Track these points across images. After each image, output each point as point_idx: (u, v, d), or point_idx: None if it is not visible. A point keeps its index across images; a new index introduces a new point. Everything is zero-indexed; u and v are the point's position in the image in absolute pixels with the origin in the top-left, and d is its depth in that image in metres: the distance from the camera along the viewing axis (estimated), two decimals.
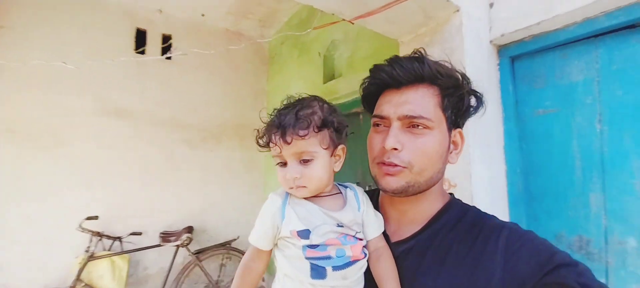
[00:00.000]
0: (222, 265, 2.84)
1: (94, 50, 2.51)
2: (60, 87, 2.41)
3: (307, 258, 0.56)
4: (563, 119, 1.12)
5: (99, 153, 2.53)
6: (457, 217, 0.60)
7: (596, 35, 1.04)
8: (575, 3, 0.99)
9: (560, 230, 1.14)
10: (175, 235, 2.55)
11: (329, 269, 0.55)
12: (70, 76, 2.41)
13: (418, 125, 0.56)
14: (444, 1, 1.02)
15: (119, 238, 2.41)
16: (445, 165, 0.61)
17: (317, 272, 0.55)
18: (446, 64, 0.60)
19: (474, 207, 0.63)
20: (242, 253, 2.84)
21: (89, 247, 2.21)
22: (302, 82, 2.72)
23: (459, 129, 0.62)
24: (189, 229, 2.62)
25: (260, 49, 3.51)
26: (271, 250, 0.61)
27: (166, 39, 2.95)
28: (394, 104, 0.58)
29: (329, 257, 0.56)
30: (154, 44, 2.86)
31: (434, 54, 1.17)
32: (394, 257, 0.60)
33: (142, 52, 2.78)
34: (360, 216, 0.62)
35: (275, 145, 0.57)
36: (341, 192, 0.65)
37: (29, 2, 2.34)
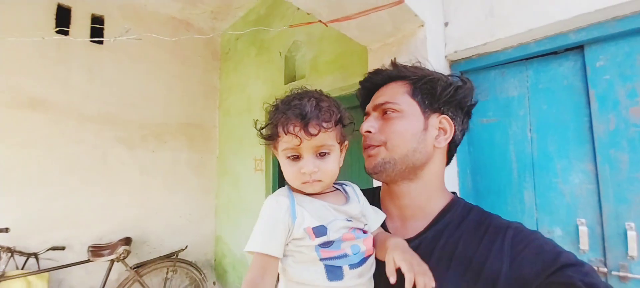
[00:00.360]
0: (166, 278, 2.57)
1: (3, 27, 2.02)
2: None
3: (322, 260, 0.53)
4: (502, 128, 1.30)
5: (8, 152, 2.05)
6: (462, 215, 0.61)
7: (527, 58, 1.24)
8: (513, 30, 1.17)
9: None
10: (109, 248, 2.22)
11: (345, 268, 0.53)
12: None
13: (388, 111, 0.65)
14: (413, 15, 1.10)
15: (35, 255, 1.99)
16: (431, 148, 0.65)
17: (334, 273, 0.52)
18: (419, 66, 0.71)
19: (477, 206, 0.65)
20: (191, 263, 2.61)
21: None
22: (260, 82, 2.63)
23: (444, 115, 0.66)
24: (127, 240, 2.31)
25: (212, 43, 3.28)
26: (278, 261, 0.55)
27: (97, 20, 2.54)
28: (372, 100, 0.70)
29: (345, 255, 0.54)
30: (80, 24, 2.44)
31: (401, 61, 1.25)
32: None
33: (66, 34, 2.34)
34: (363, 208, 0.63)
35: (295, 136, 0.53)
36: (340, 189, 0.65)
37: None
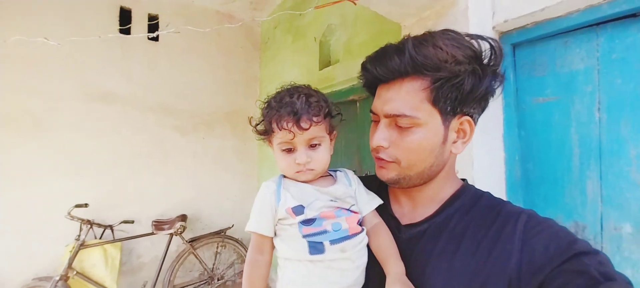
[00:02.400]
0: (217, 252, 2.84)
1: (75, 29, 2.37)
2: (42, 70, 2.28)
3: (304, 236, 0.57)
4: (563, 107, 1.13)
5: (85, 140, 2.43)
6: (472, 201, 0.59)
7: (598, 24, 1.04)
8: None
9: (556, 216, 1.16)
10: (169, 223, 2.52)
11: (326, 243, 0.57)
12: (51, 58, 2.28)
13: (402, 124, 0.55)
14: None
15: (110, 227, 2.35)
16: (448, 155, 0.59)
17: (315, 248, 0.56)
18: (447, 44, 0.51)
19: (488, 192, 0.62)
20: (237, 240, 2.84)
21: (79, 235, 2.16)
22: (296, 69, 2.66)
23: (466, 117, 0.57)
24: (183, 217, 2.59)
25: (252, 33, 3.40)
26: (272, 240, 0.62)
27: (152, 19, 2.81)
28: (382, 100, 0.57)
29: (325, 232, 0.57)
30: (139, 23, 2.72)
31: None
32: (407, 240, 0.60)
33: (127, 33, 2.64)
34: (353, 191, 0.64)
35: (289, 131, 0.58)
36: (331, 175, 0.68)
37: None
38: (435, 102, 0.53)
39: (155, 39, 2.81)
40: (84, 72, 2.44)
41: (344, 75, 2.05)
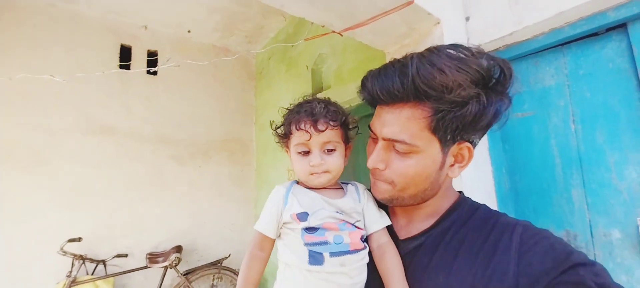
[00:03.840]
0: (213, 285, 2.75)
1: (77, 66, 2.46)
2: (43, 105, 2.34)
3: (306, 244, 0.58)
4: (540, 121, 1.20)
5: (83, 173, 2.44)
6: (468, 213, 0.59)
7: (563, 43, 1.14)
8: (543, 15, 1.09)
9: (548, 226, 1.19)
10: (163, 255, 2.46)
11: (326, 255, 0.57)
12: (53, 94, 2.35)
13: (399, 149, 0.54)
14: (426, 14, 1.09)
15: (103, 262, 2.29)
16: (443, 179, 0.58)
17: (315, 258, 0.57)
18: (452, 68, 0.48)
19: (484, 204, 0.62)
20: (234, 271, 2.77)
21: (71, 271, 2.10)
22: (291, 96, 2.75)
23: (466, 143, 0.55)
24: (178, 249, 2.54)
25: (248, 65, 3.55)
26: (274, 241, 0.64)
27: (152, 55, 2.94)
28: (381, 122, 0.56)
29: (326, 243, 0.58)
30: (139, 60, 2.84)
31: None
32: (404, 254, 0.60)
33: (128, 69, 2.75)
34: (361, 207, 0.65)
35: (306, 132, 0.61)
36: (342, 187, 0.69)
37: (12, 17, 2.30)
38: (435, 130, 0.51)
39: (154, 73, 2.92)
40: (84, 106, 2.51)
41: (336, 99, 2.13)
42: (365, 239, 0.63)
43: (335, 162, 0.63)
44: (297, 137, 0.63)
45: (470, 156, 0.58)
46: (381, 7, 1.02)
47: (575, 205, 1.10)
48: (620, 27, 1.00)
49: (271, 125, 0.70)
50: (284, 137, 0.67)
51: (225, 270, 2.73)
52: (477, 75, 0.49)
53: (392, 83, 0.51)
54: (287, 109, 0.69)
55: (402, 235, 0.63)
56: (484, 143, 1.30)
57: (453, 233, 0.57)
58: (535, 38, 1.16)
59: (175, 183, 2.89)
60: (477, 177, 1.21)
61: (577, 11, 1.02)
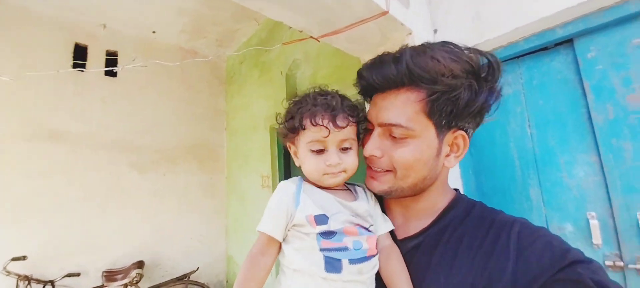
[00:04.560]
0: None
1: (25, 65, 2.20)
2: None
3: (321, 250, 0.52)
4: (501, 126, 1.30)
5: (29, 183, 2.17)
6: (465, 211, 0.59)
7: (519, 56, 1.25)
8: (500, 30, 1.20)
9: None
10: (123, 272, 2.26)
11: (345, 262, 0.52)
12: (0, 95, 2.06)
13: (396, 134, 0.55)
14: (399, 24, 1.14)
15: (52, 282, 2.05)
16: (440, 169, 0.58)
17: (332, 265, 0.51)
18: (445, 57, 0.51)
19: (480, 202, 0.62)
20: (203, 285, 2.62)
21: None
22: (264, 101, 2.71)
23: (461, 132, 0.57)
24: (139, 264, 2.35)
25: (217, 68, 3.44)
26: (280, 244, 0.57)
27: (111, 55, 2.72)
28: (377, 109, 0.57)
29: (345, 249, 0.52)
30: (96, 60, 2.62)
31: None
32: (402, 254, 0.58)
33: (83, 68, 2.52)
34: (372, 210, 0.61)
35: (324, 128, 0.54)
36: (350, 189, 0.64)
37: None
38: (430, 114, 0.53)
39: (114, 74, 2.70)
40: (30, 109, 2.24)
41: None
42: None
43: (352, 161, 0.58)
44: (312, 133, 0.56)
45: (466, 145, 0.59)
46: (358, 16, 1.05)
47: (533, 202, 1.21)
48: (567, 42, 1.12)
49: (276, 118, 0.62)
50: (293, 132, 0.58)
51: (193, 284, 2.58)
52: (468, 66, 0.52)
53: (388, 68, 0.53)
54: (294, 99, 0.61)
55: (400, 234, 0.62)
56: None
57: (451, 232, 0.57)
58: (495, 50, 1.27)
59: (135, 193, 2.68)
60: (448, 178, 1.28)
61: (530, 27, 1.14)
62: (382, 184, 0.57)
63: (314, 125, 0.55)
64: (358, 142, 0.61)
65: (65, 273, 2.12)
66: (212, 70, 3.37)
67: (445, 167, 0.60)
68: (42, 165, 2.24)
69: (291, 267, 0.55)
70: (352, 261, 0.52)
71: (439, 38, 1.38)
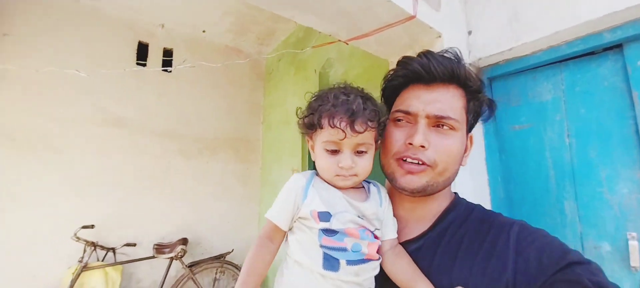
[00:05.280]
0: (215, 279, 2.83)
1: (96, 60, 2.58)
2: (60, 96, 2.44)
3: (321, 246, 0.53)
4: (536, 134, 1.24)
5: (95, 162, 2.54)
6: (465, 214, 0.60)
7: (561, 60, 1.18)
8: (539, 33, 1.14)
9: None
10: (170, 247, 2.55)
11: (342, 262, 0.53)
12: (70, 85, 2.45)
13: (444, 126, 0.56)
14: (428, 28, 1.15)
15: (113, 249, 2.39)
16: (459, 166, 0.62)
17: (330, 263, 0.52)
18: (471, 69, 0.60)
19: (479, 205, 0.63)
20: (237, 266, 2.85)
21: (82, 257, 2.20)
22: (297, 98, 2.83)
23: (470, 133, 0.64)
24: (184, 241, 2.62)
25: (258, 66, 3.64)
26: (285, 233, 0.59)
27: (167, 53, 3.05)
28: (423, 101, 0.57)
29: (344, 249, 0.53)
30: (155, 57, 2.95)
31: None
32: None
33: (144, 65, 2.86)
34: (382, 213, 0.60)
35: (341, 131, 0.53)
36: (364, 187, 0.63)
37: (33, 11, 2.41)
38: (468, 112, 0.60)
39: (168, 69, 3.03)
40: (99, 99, 2.61)
41: None
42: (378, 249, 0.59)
43: (366, 165, 0.58)
44: (328, 134, 0.55)
45: (471, 145, 0.65)
46: (384, 21, 1.08)
47: (567, 216, 1.14)
48: (617, 47, 1.03)
49: (297, 112, 0.62)
50: (311, 128, 0.58)
51: (228, 264, 2.81)
52: (479, 79, 0.62)
53: (450, 62, 0.57)
54: (317, 94, 0.60)
55: (401, 238, 0.62)
56: (480, 154, 1.35)
57: (451, 234, 0.57)
58: (533, 54, 1.21)
59: (181, 177, 2.98)
60: (473, 186, 1.26)
61: (574, 31, 1.06)
62: (421, 179, 0.56)
63: (331, 127, 0.54)
64: (376, 144, 0.61)
65: (124, 242, 2.45)
66: (252, 67, 3.59)
67: (461, 166, 0.63)
68: (107, 148, 2.61)
69: (293, 257, 0.57)
70: (350, 262, 0.53)
71: (473, 40, 1.34)
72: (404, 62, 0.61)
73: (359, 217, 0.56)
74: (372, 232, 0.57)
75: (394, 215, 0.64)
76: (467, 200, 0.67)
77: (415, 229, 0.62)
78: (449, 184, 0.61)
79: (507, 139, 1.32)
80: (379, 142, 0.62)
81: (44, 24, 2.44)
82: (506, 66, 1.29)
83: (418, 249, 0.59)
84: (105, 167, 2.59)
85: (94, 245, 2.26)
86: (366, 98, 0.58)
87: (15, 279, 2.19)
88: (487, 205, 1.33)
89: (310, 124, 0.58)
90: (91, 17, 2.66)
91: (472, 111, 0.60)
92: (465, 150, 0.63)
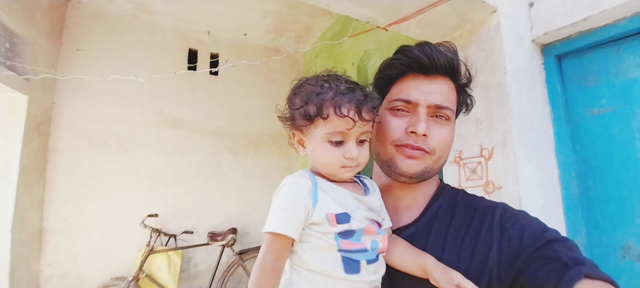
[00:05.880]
0: None
1: (154, 68, 2.86)
2: (126, 101, 2.78)
3: (340, 250, 0.49)
4: (621, 118, 1.03)
5: (158, 159, 2.85)
6: (452, 199, 0.63)
7: None
8: None
9: (627, 240, 1.03)
10: (221, 235, 2.75)
11: (363, 263, 0.50)
12: (134, 92, 2.77)
13: (442, 116, 0.59)
14: (480, 3, 1.03)
15: (174, 236, 2.66)
16: None
17: (351, 266, 0.49)
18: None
19: (462, 190, 0.67)
20: None
21: (149, 241, 2.49)
22: None
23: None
24: (234, 230, 2.80)
25: (296, 63, 3.70)
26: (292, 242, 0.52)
27: (214, 57, 3.27)
28: (423, 91, 0.58)
29: (364, 250, 0.50)
30: (203, 61, 3.18)
31: (471, 55, 1.17)
32: None
33: (194, 70, 3.11)
34: (382, 203, 0.59)
35: (351, 119, 0.50)
36: (356, 180, 0.61)
37: (100, 28, 2.77)
38: (458, 102, 0.63)
39: (216, 73, 3.25)
40: (159, 102, 2.92)
41: None
42: None
43: (367, 154, 0.56)
44: (335, 124, 0.51)
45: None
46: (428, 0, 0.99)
47: None
48: None
49: (286, 104, 0.58)
50: (307, 119, 0.52)
51: None
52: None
53: (450, 54, 0.59)
54: (305, 83, 0.56)
55: (393, 226, 0.62)
56: (549, 143, 1.18)
57: (440, 219, 0.60)
58: (616, 23, 1.00)
59: (230, 172, 3.19)
60: (539, 181, 1.10)
61: None
62: (420, 164, 0.58)
63: (339, 116, 0.50)
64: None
65: (183, 230, 2.72)
66: (291, 66, 3.66)
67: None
68: (166, 146, 2.91)
69: (308, 267, 0.51)
70: (369, 261, 0.51)
71: (535, 13, 1.17)
72: (405, 50, 0.61)
73: (369, 211, 0.54)
74: (378, 223, 0.55)
75: (386, 206, 0.63)
76: (450, 185, 0.69)
77: (406, 216, 0.64)
78: (439, 170, 0.64)
79: (583, 126, 1.13)
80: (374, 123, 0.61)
81: (109, 39, 2.80)
82: (580, 40, 1.09)
83: (411, 236, 0.60)
84: (166, 163, 2.88)
85: (158, 231, 2.54)
86: (364, 86, 0.57)
87: (98, 259, 2.57)
88: (558, 205, 1.16)
89: (307, 115, 0.52)
90: (148, 30, 2.98)
91: (461, 102, 0.63)
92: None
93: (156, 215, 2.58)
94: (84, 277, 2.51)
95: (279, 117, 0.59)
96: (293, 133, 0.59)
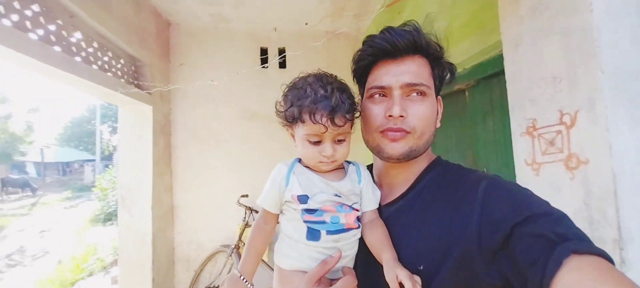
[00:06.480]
0: None
1: (234, 68, 3.34)
2: (217, 101, 3.35)
3: (304, 221, 0.62)
4: None
5: (243, 147, 3.38)
6: (443, 172, 0.65)
7: None
8: None
9: None
10: None
11: (323, 233, 0.61)
12: (221, 92, 3.30)
13: (416, 93, 0.62)
14: None
15: None
16: (435, 128, 0.67)
17: (312, 234, 0.62)
18: (429, 37, 0.64)
19: (459, 164, 0.67)
20: None
21: (244, 217, 3.00)
22: None
23: (439, 96, 0.69)
24: None
25: (356, 42, 3.68)
26: (278, 215, 0.69)
27: (281, 51, 3.55)
28: (393, 74, 0.62)
29: (323, 222, 0.62)
30: (273, 57, 3.51)
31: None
32: (386, 218, 0.66)
33: (266, 66, 3.47)
34: (359, 188, 0.66)
35: (322, 126, 0.58)
36: (344, 167, 0.70)
37: (193, 43, 3.37)
38: (433, 76, 0.65)
39: (283, 66, 3.54)
40: (239, 99, 3.41)
41: (451, 62, 1.95)
42: (358, 218, 0.66)
43: (344, 151, 0.64)
44: (310, 128, 0.60)
45: (442, 107, 0.70)
46: None
47: None
48: None
49: (276, 106, 0.68)
50: (291, 121, 0.63)
51: None
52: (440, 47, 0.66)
53: (411, 35, 0.61)
54: (292, 86, 0.66)
55: (384, 201, 0.69)
56: None
57: (427, 192, 0.63)
58: None
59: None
60: (635, 156, 0.88)
61: None
62: (404, 145, 0.62)
63: (313, 123, 0.59)
64: (352, 129, 0.67)
65: None
66: (352, 46, 3.66)
67: (436, 128, 0.67)
68: (248, 136, 3.39)
69: (284, 232, 0.67)
70: (329, 232, 0.61)
71: None
72: (368, 41, 0.65)
73: (335, 195, 0.63)
74: (350, 206, 0.64)
75: (383, 185, 0.72)
76: (449, 161, 0.70)
77: (397, 191, 0.67)
78: (428, 147, 0.66)
79: None
80: (353, 127, 0.67)
81: (200, 50, 3.38)
82: None
83: (397, 210, 0.65)
84: (249, 151, 3.38)
85: (250, 209, 3.02)
86: (342, 90, 0.62)
87: (210, 230, 3.25)
88: None
89: (291, 118, 0.63)
90: (227, 36, 3.46)
91: (438, 77, 0.65)
92: (437, 113, 0.68)
93: (246, 196, 3.07)
94: (202, 244, 3.22)
95: (276, 113, 0.70)
96: (287, 127, 0.70)
